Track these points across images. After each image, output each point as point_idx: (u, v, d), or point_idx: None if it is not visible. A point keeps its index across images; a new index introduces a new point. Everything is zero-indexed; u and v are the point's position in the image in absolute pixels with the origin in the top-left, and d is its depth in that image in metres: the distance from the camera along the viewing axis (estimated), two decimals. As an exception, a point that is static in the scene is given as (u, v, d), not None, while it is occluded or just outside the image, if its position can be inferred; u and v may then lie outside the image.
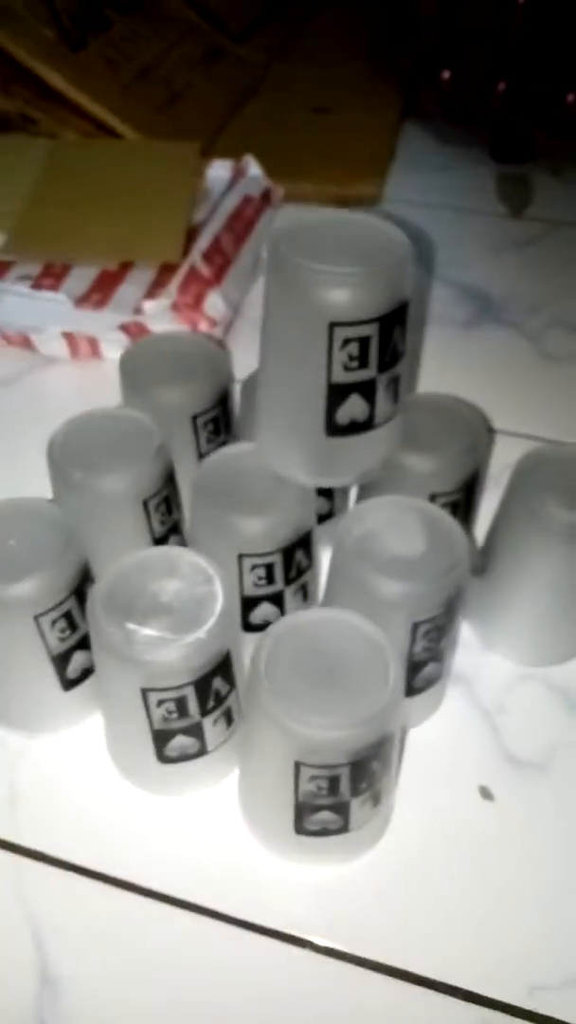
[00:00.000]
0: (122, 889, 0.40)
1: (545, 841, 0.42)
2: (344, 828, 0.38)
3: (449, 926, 0.39)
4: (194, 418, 0.51)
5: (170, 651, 0.37)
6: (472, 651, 0.50)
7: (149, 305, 0.69)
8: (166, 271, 0.73)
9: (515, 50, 0.96)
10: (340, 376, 0.39)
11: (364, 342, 0.38)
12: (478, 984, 0.38)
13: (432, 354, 0.73)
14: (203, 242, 0.75)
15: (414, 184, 0.97)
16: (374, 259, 0.37)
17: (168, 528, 0.48)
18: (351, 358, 0.38)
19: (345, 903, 0.40)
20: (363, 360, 0.39)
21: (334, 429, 0.41)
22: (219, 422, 0.53)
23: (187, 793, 0.43)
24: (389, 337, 0.39)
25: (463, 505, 0.48)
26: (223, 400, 0.53)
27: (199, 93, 1.03)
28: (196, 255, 0.73)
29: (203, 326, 0.70)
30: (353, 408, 0.40)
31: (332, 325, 0.37)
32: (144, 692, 0.38)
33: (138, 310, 0.69)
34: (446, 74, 0.99)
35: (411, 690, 0.44)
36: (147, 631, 0.37)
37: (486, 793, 0.44)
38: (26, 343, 0.69)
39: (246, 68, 1.11)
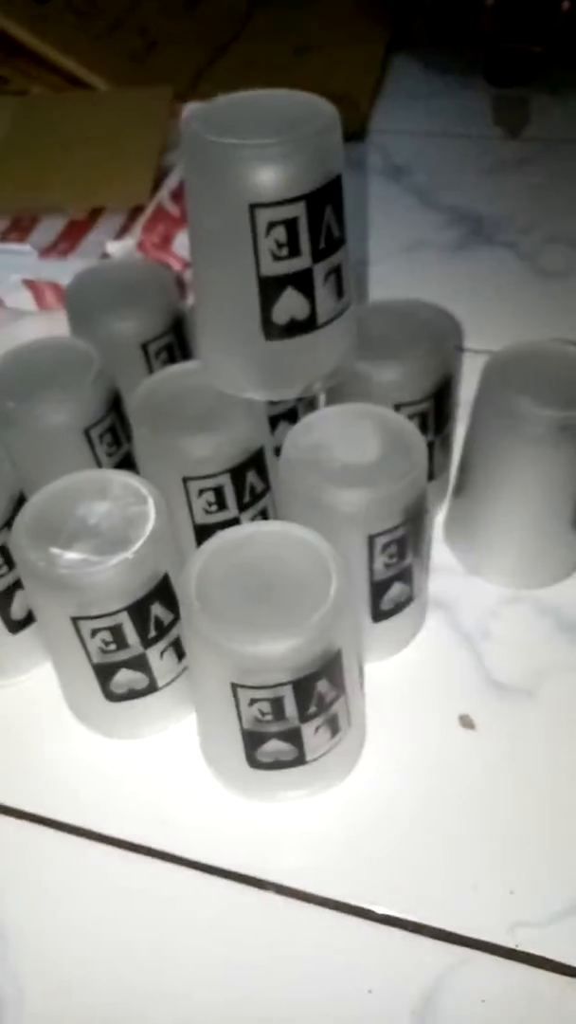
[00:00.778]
0: (77, 836, 0.38)
1: (531, 771, 0.38)
2: (301, 759, 0.35)
3: (424, 863, 0.36)
4: (144, 346, 0.48)
5: (97, 573, 0.34)
6: (454, 576, 0.46)
7: (114, 247, 0.66)
8: (135, 216, 0.70)
9: (503, -40, 0.90)
10: (270, 267, 0.35)
11: (292, 225, 0.34)
12: (455, 923, 0.34)
13: (422, 278, 0.69)
14: (172, 181, 0.72)
15: (403, 114, 0.92)
16: (294, 129, 0.34)
17: (119, 460, 0.46)
18: (279, 245, 0.35)
19: (311, 841, 0.37)
20: (293, 247, 0.35)
21: (273, 331, 0.37)
22: (173, 350, 0.49)
23: (143, 733, 0.40)
24: (320, 219, 0.35)
25: (433, 416, 0.45)
26: (176, 327, 0.49)
27: (177, 41, 0.99)
28: (164, 193, 0.70)
29: (175, 266, 0.66)
30: (290, 304, 0.37)
31: (252, 207, 0.34)
32: (75, 621, 0.35)
33: (105, 255, 0.67)
34: (430, -7, 0.93)
35: (379, 614, 0.40)
36: (71, 555, 0.34)
37: (467, 722, 0.40)
38: (-10, 296, 0.67)
39: (227, 14, 1.07)
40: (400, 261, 0.71)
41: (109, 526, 0.35)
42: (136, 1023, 0.33)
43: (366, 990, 0.33)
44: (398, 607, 0.41)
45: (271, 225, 0.34)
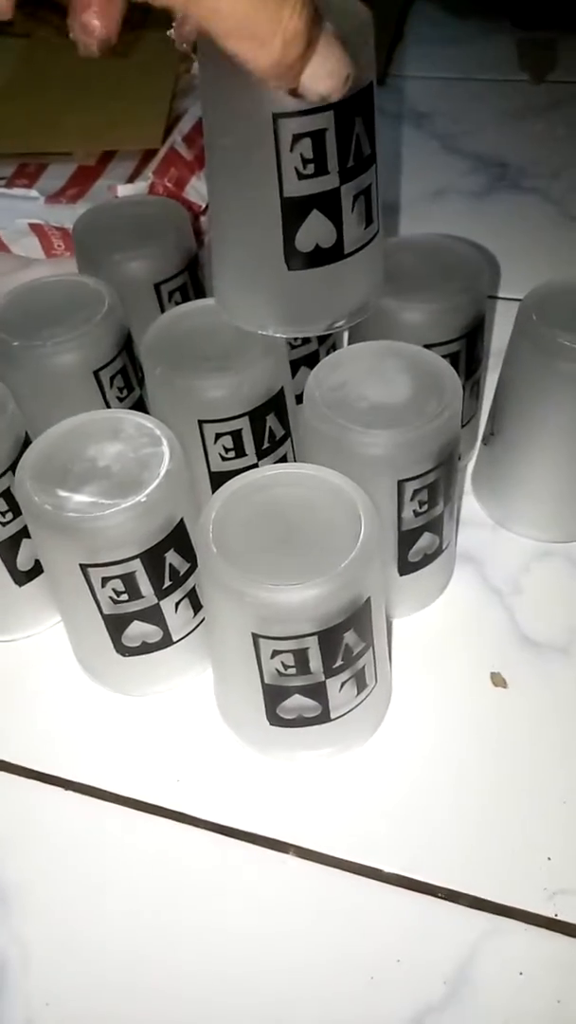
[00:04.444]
0: (86, 795, 0.36)
1: (566, 730, 0.36)
2: (325, 716, 0.33)
3: (454, 827, 0.34)
4: (157, 286, 0.45)
5: (107, 517, 0.31)
6: (483, 529, 0.44)
7: (125, 191, 0.63)
8: (147, 160, 0.67)
9: None
10: (295, 187, 0.32)
11: (319, 138, 0.31)
12: (489, 890, 0.32)
13: (448, 224, 0.65)
14: (185, 125, 0.68)
15: (424, 59, 0.88)
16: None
17: (130, 406, 0.43)
18: (305, 161, 0.32)
19: (335, 802, 0.35)
20: (320, 163, 0.32)
21: (296, 259, 0.34)
22: (187, 292, 0.47)
23: (157, 689, 0.39)
24: (350, 132, 0.32)
25: (464, 358, 0.42)
26: (191, 267, 0.47)
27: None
28: (177, 137, 0.67)
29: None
30: (316, 229, 0.34)
31: (276, 117, 0.31)
32: (84, 569, 0.33)
33: (115, 199, 0.64)
34: None
35: (407, 566, 0.38)
36: (80, 497, 0.32)
37: (498, 680, 0.38)
38: (-4, 243, 0.64)
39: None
40: (425, 207, 0.67)
41: (121, 468, 0.33)
42: (146, 989, 0.31)
43: (395, 959, 0.31)
44: (427, 559, 0.38)
45: (296, 138, 0.31)
